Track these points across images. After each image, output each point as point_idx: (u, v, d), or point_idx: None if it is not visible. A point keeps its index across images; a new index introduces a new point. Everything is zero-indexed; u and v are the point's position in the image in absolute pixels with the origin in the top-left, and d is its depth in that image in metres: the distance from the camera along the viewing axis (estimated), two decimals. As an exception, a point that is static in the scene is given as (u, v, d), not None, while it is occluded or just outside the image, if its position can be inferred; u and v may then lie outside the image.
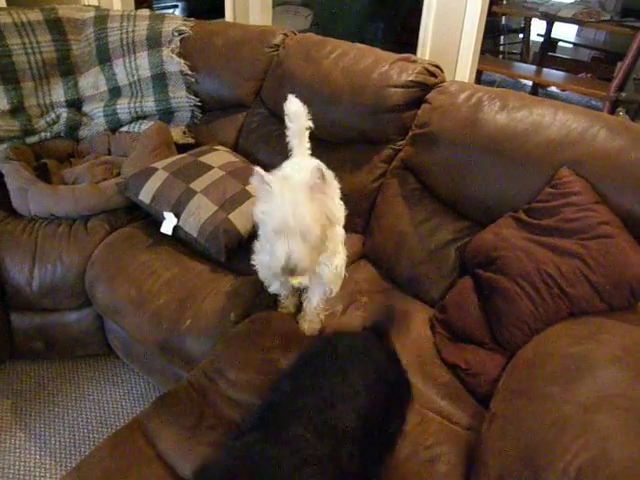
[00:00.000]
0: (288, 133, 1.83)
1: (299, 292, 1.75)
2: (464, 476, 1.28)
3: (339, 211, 1.67)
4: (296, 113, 1.77)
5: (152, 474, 1.32)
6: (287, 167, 1.72)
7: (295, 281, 1.53)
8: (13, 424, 2.05)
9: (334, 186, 1.72)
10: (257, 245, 1.63)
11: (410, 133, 2.05)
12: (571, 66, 5.17)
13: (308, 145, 1.84)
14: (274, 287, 1.69)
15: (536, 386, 1.27)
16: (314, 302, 1.66)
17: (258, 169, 1.39)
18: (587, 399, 1.17)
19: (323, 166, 1.66)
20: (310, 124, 1.80)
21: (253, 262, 1.65)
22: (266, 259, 1.55)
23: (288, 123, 1.81)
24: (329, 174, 1.52)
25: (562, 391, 1.21)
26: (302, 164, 1.74)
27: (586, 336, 1.37)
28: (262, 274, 1.64)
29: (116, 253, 2.01)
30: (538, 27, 5.60)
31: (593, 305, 1.48)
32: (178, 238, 2.03)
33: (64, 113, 2.55)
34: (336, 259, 1.59)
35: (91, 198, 2.11)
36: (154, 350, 1.85)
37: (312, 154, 1.95)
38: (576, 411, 1.15)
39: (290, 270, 1.35)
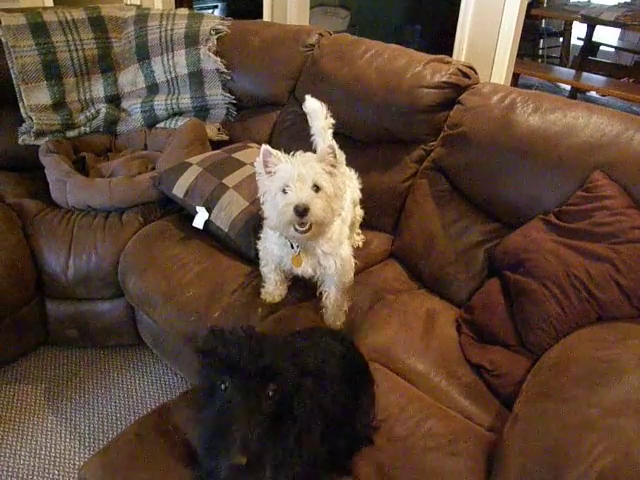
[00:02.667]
0: (312, 132, 1.87)
1: (289, 282, 1.82)
2: (485, 474, 1.28)
3: (348, 213, 1.77)
4: (315, 112, 1.82)
5: (177, 460, 1.35)
6: None
7: (298, 263, 1.62)
8: (45, 407, 2.11)
9: (351, 179, 1.87)
10: (262, 234, 1.72)
11: (442, 134, 2.04)
12: (612, 71, 5.07)
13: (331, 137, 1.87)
14: (268, 269, 1.75)
15: (561, 388, 1.26)
16: (332, 296, 1.68)
17: (265, 146, 1.49)
18: (612, 403, 1.15)
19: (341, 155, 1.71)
20: (331, 121, 1.85)
21: (258, 247, 1.74)
22: (270, 246, 1.66)
23: (310, 122, 1.86)
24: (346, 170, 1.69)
25: (587, 394, 1.20)
26: None
27: (613, 341, 1.36)
28: (264, 259, 1.73)
29: (149, 245, 2.05)
30: (579, 30, 5.51)
31: (622, 310, 1.46)
32: (209, 232, 2.06)
33: (103, 109, 2.61)
34: (341, 250, 1.64)
35: (126, 191, 2.16)
36: (183, 341, 1.89)
37: (344, 153, 1.97)
38: (600, 414, 1.13)
39: (303, 210, 1.40)
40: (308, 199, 1.40)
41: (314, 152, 1.90)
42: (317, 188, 1.44)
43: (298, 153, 1.50)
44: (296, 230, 1.45)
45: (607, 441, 1.07)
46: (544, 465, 1.12)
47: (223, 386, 1.02)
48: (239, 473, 1.00)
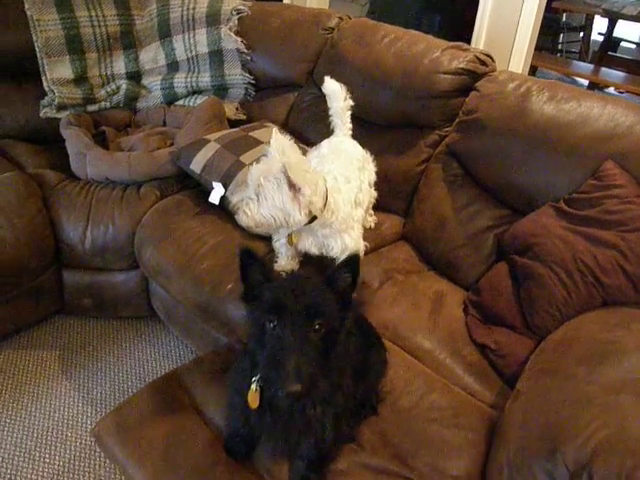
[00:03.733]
0: (330, 112, 1.92)
1: (300, 257, 1.84)
2: (486, 447, 1.32)
3: (365, 196, 1.81)
4: (335, 93, 1.86)
5: (187, 420, 1.40)
6: (324, 147, 1.85)
7: (291, 242, 1.70)
8: (59, 373, 2.17)
9: (368, 162, 1.90)
10: None
11: (457, 119, 2.07)
12: (632, 67, 5.03)
13: (349, 125, 1.93)
14: (279, 243, 1.81)
15: (562, 366, 1.30)
16: None
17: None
18: (611, 381, 1.19)
19: (359, 149, 1.86)
20: (350, 103, 1.89)
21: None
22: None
23: (329, 103, 1.90)
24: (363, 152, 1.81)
25: (587, 372, 1.24)
26: (342, 146, 1.85)
27: (617, 324, 1.39)
28: (275, 235, 1.81)
29: (165, 218, 2.10)
30: (600, 26, 5.48)
31: (627, 295, 1.49)
32: (224, 208, 2.10)
33: (124, 85, 2.65)
34: (346, 237, 1.67)
35: (144, 165, 2.20)
36: (195, 313, 1.93)
37: (360, 136, 2.01)
38: (599, 391, 1.17)
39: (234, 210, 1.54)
40: (237, 206, 1.54)
41: (332, 133, 1.96)
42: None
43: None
44: None
45: (605, 416, 1.11)
46: (543, 438, 1.16)
47: (272, 324, 1.09)
48: (294, 403, 1.12)
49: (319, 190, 1.55)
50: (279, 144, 1.50)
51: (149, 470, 1.28)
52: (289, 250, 1.80)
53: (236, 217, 1.57)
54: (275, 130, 1.55)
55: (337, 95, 1.85)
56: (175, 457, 1.30)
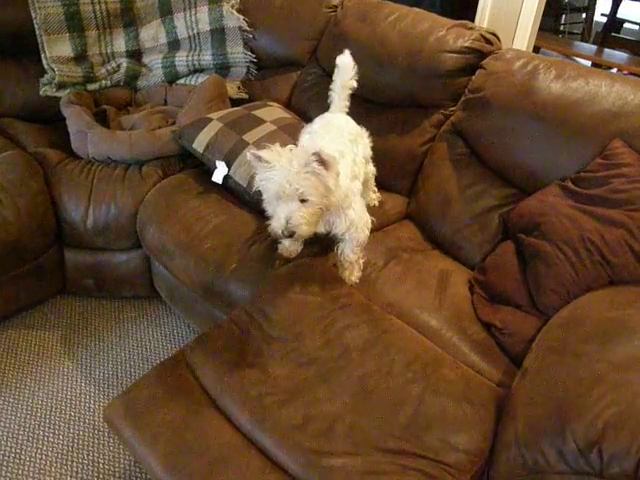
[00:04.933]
0: (331, 87, 1.89)
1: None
2: (494, 424, 1.32)
3: (360, 169, 1.77)
4: (345, 68, 1.82)
5: (194, 403, 1.39)
6: (316, 123, 1.81)
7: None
8: (62, 353, 2.16)
9: (362, 137, 1.85)
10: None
11: (463, 98, 2.05)
12: (636, 48, 4.99)
13: (347, 103, 1.89)
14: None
15: (570, 344, 1.29)
16: (346, 252, 1.70)
17: (252, 151, 1.46)
18: (621, 359, 1.19)
19: (352, 123, 1.82)
20: (354, 84, 1.85)
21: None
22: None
23: (334, 77, 1.87)
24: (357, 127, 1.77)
25: (596, 350, 1.23)
26: (334, 121, 1.82)
27: (625, 303, 1.39)
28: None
29: (168, 198, 2.08)
30: (603, 7, 5.43)
31: (634, 274, 1.49)
32: (228, 187, 2.08)
33: (124, 63, 2.62)
34: (350, 212, 1.64)
35: (146, 144, 2.18)
36: (198, 292, 1.93)
37: (363, 115, 1.99)
38: (608, 369, 1.17)
39: (290, 233, 1.45)
40: (294, 222, 1.43)
41: (328, 105, 1.93)
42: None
43: (286, 152, 1.46)
44: None
45: (614, 393, 1.11)
46: (552, 415, 1.16)
47: None
48: None
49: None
50: (273, 154, 1.45)
51: (160, 453, 1.27)
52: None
53: (295, 237, 1.50)
54: (251, 152, 1.48)
55: (347, 70, 1.82)
56: (185, 440, 1.29)
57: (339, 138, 1.73)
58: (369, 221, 1.72)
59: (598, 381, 1.15)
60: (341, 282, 1.69)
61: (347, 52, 1.83)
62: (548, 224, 1.62)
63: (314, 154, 1.40)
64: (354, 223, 1.65)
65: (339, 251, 1.73)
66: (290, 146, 1.50)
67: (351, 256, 1.71)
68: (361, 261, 1.74)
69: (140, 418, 1.36)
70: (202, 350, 1.51)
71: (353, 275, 1.73)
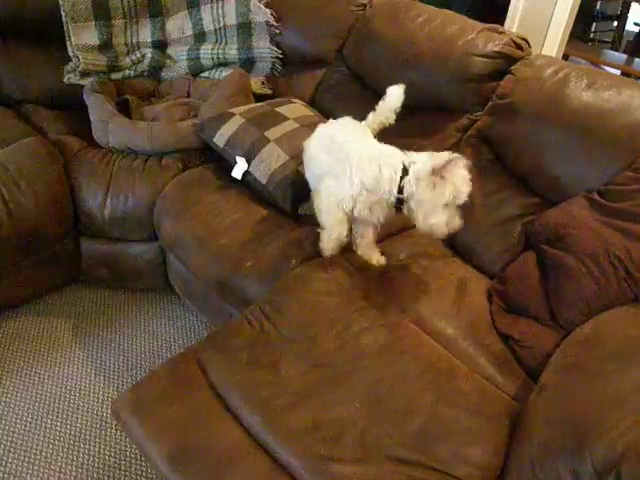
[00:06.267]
0: (376, 107, 1.83)
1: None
2: (508, 438, 1.29)
3: None
4: (395, 100, 1.80)
5: (203, 400, 1.37)
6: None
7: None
8: (73, 342, 2.16)
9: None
10: (322, 194, 1.71)
11: (490, 103, 2.01)
12: (667, 59, 4.90)
13: (376, 127, 1.84)
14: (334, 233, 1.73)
15: (591, 362, 1.26)
16: (370, 237, 1.77)
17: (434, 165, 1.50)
18: (643, 380, 1.15)
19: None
20: (393, 118, 1.83)
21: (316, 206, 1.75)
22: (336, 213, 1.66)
23: (381, 102, 1.82)
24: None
25: (618, 370, 1.20)
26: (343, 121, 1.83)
27: (649, 321, 1.35)
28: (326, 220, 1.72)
29: (186, 191, 2.07)
30: (636, 16, 5.33)
31: (660, 292, 1.44)
32: (247, 183, 2.06)
33: (149, 53, 2.60)
34: None
35: (167, 136, 2.17)
36: (213, 287, 1.91)
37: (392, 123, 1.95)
38: (630, 390, 1.13)
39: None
40: (453, 228, 1.58)
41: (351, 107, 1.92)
42: None
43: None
44: None
45: (635, 416, 1.07)
46: (569, 435, 1.13)
47: None
48: None
49: None
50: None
51: (165, 450, 1.26)
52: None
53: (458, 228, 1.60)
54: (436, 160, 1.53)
55: (396, 102, 1.80)
56: (192, 438, 1.28)
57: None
58: None
59: (619, 402, 1.11)
60: (358, 283, 1.66)
61: (402, 86, 1.80)
62: (572, 236, 1.58)
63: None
64: None
65: (358, 237, 1.77)
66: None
67: (371, 238, 1.77)
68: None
69: (147, 413, 1.34)
70: (213, 347, 1.49)
71: (379, 255, 1.78)
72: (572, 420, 1.15)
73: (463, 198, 1.53)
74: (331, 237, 1.72)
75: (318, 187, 1.74)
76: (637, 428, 1.04)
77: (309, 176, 1.84)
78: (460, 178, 1.52)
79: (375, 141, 1.74)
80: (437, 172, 1.49)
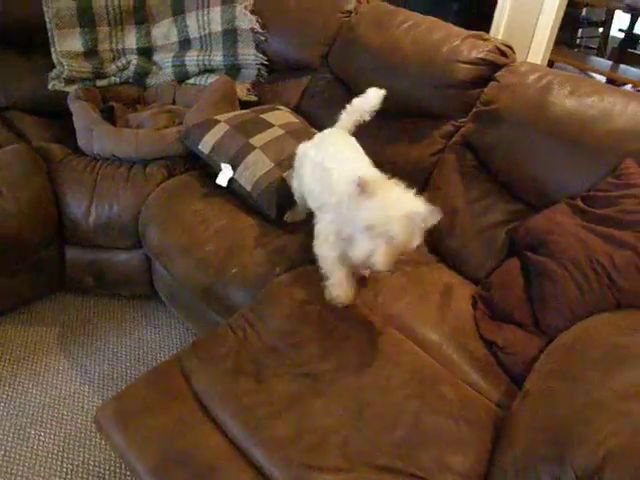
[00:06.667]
0: (347, 106, 1.81)
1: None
2: (492, 445, 1.29)
3: None
4: (371, 99, 1.76)
5: (187, 409, 1.37)
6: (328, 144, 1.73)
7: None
8: (58, 350, 2.14)
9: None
10: (317, 231, 1.60)
11: (474, 110, 2.02)
12: (652, 65, 4.94)
13: (351, 127, 1.80)
14: (335, 279, 1.57)
15: (574, 369, 1.26)
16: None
17: (359, 177, 1.36)
18: (625, 388, 1.15)
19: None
20: (367, 117, 1.79)
21: (314, 250, 1.61)
22: (330, 254, 1.54)
23: (354, 100, 1.79)
24: None
25: (600, 377, 1.20)
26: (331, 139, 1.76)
27: (631, 328, 1.35)
28: (324, 266, 1.58)
29: (171, 198, 2.06)
30: (620, 22, 5.38)
31: (642, 299, 1.45)
32: (232, 190, 2.05)
33: (134, 60, 2.60)
34: None
35: (152, 143, 2.16)
36: (197, 295, 1.90)
37: (371, 123, 1.94)
38: (612, 397, 1.14)
39: (368, 266, 1.39)
40: (373, 260, 1.34)
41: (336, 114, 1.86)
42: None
43: (394, 190, 1.40)
44: None
45: (617, 423, 1.07)
46: (551, 442, 1.13)
47: None
48: None
49: None
50: (374, 185, 1.37)
51: (148, 460, 1.25)
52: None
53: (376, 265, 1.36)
54: (361, 178, 1.36)
55: (371, 102, 1.76)
56: (175, 447, 1.27)
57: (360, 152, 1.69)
58: None
59: (601, 409, 1.12)
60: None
61: (382, 91, 1.76)
62: (556, 243, 1.59)
63: (423, 219, 1.36)
64: None
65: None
66: (399, 184, 1.44)
67: None
68: None
69: (130, 423, 1.34)
70: (197, 356, 1.49)
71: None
72: (554, 427, 1.15)
73: (395, 231, 1.32)
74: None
75: (317, 225, 1.62)
76: (619, 435, 1.05)
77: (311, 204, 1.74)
78: (395, 201, 1.36)
79: (362, 162, 1.65)
80: (364, 187, 1.35)
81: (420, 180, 2.09)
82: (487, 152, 1.94)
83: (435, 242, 1.96)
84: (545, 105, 1.80)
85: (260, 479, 1.23)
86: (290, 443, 1.26)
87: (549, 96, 1.81)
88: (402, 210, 1.33)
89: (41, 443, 1.82)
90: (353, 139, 1.78)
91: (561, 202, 1.72)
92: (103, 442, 1.83)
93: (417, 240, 1.40)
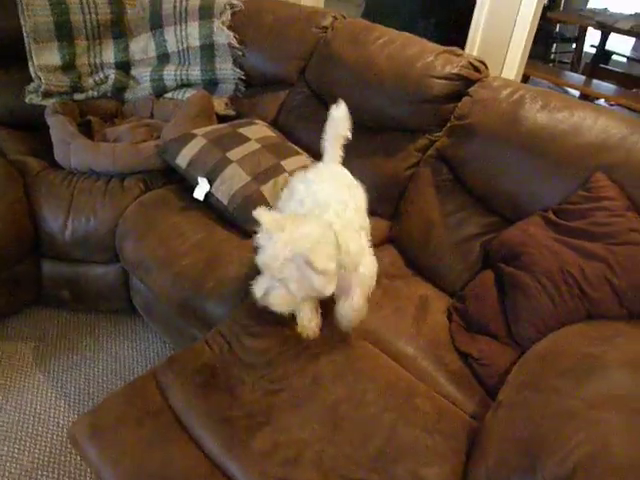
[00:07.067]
0: (324, 137, 1.75)
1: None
2: (466, 456, 1.30)
3: (365, 219, 1.64)
4: (339, 120, 1.71)
5: (162, 424, 1.36)
6: (311, 172, 1.67)
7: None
8: (33, 366, 2.12)
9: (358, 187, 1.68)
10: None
11: (448, 124, 2.05)
12: (623, 81, 5.05)
13: (341, 153, 1.75)
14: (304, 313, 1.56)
15: (545, 379, 1.28)
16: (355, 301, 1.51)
17: (259, 211, 1.33)
18: (595, 396, 1.17)
19: (346, 172, 1.69)
20: (349, 135, 1.72)
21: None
22: None
23: (327, 128, 1.73)
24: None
25: (570, 386, 1.22)
26: (329, 170, 1.70)
27: (601, 338, 1.37)
28: None
29: (148, 212, 2.06)
30: (592, 38, 5.51)
31: (612, 309, 1.48)
32: (209, 204, 2.06)
33: (112, 74, 2.60)
34: (361, 268, 1.49)
35: (129, 157, 2.16)
36: (175, 309, 1.89)
37: (350, 138, 1.94)
38: (582, 406, 1.15)
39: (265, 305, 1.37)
40: (269, 300, 1.34)
41: (322, 156, 1.77)
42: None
43: (289, 225, 1.32)
44: None
45: (587, 431, 1.09)
46: (523, 452, 1.14)
47: None
48: None
49: (343, 249, 1.40)
50: (274, 223, 1.31)
51: (123, 475, 1.24)
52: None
53: (270, 306, 1.37)
54: (259, 212, 1.33)
55: (342, 123, 1.71)
56: (150, 462, 1.26)
57: (338, 187, 1.59)
58: (376, 268, 1.56)
59: (571, 418, 1.13)
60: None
61: (342, 104, 1.71)
62: (528, 255, 1.61)
63: (306, 262, 1.27)
64: (366, 278, 1.51)
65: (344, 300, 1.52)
66: (298, 217, 1.41)
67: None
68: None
69: (105, 438, 1.33)
70: (173, 371, 1.48)
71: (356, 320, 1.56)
72: (526, 438, 1.16)
73: (285, 274, 1.30)
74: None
75: None
76: (588, 445, 1.06)
77: None
78: (295, 240, 1.29)
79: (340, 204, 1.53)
80: (266, 224, 1.31)
81: (396, 193, 2.12)
82: (461, 166, 1.96)
83: (411, 255, 1.99)
84: (517, 120, 1.83)
85: (236, 494, 1.23)
86: (266, 457, 1.26)
87: (521, 111, 1.84)
88: (292, 252, 1.28)
89: (15, 461, 1.80)
90: (346, 177, 1.71)
91: (534, 215, 1.74)
92: (78, 458, 1.81)
93: (330, 287, 1.32)
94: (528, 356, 1.45)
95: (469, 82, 2.06)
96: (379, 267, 1.70)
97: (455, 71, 2.04)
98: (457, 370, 1.56)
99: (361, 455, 1.27)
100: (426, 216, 1.97)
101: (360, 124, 2.19)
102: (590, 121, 1.75)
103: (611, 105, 5.15)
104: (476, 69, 2.08)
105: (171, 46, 2.64)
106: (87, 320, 2.36)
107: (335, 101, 2.11)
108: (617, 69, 5.56)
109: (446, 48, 2.14)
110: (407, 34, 2.27)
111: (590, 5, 5.85)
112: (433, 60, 2.08)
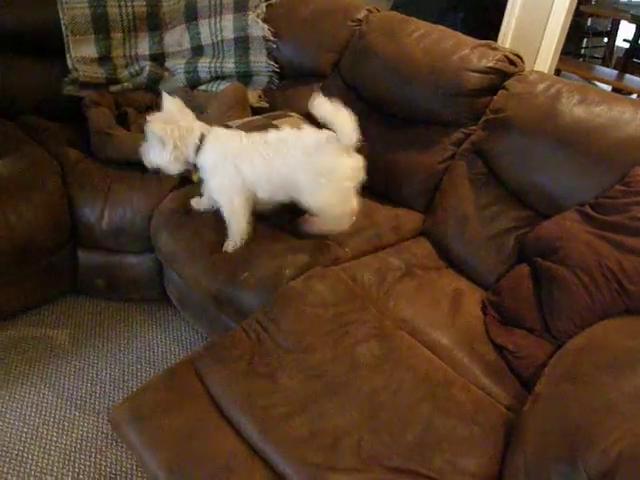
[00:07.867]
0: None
1: None
2: (503, 448, 1.30)
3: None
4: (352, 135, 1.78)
5: (201, 410, 1.38)
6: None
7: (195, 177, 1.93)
8: (69, 352, 2.16)
9: None
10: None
11: (483, 118, 2.04)
12: (656, 75, 4.97)
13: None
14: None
15: (584, 372, 1.28)
16: None
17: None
18: (636, 389, 1.17)
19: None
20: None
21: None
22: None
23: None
24: None
25: (611, 379, 1.21)
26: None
27: (640, 332, 1.37)
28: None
29: (184, 204, 2.07)
30: (625, 32, 5.42)
31: (652, 304, 1.47)
32: (244, 197, 2.07)
33: (147, 66, 2.63)
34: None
35: (166, 148, 2.18)
36: (208, 299, 1.92)
37: (383, 130, 1.94)
38: (623, 399, 1.15)
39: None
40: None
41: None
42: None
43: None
44: None
45: (628, 424, 1.09)
46: (562, 444, 1.14)
47: None
48: None
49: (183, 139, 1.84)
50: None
51: (164, 459, 1.27)
52: None
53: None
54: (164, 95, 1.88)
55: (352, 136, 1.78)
56: (190, 447, 1.28)
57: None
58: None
59: (612, 411, 1.13)
60: (353, 295, 1.68)
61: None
62: (565, 249, 1.61)
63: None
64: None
65: None
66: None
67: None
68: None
69: (145, 423, 1.35)
70: (212, 357, 1.50)
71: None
72: (565, 429, 1.16)
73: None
74: None
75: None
76: (630, 437, 1.06)
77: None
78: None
79: None
80: None
81: (430, 186, 2.12)
82: (496, 159, 1.96)
83: (445, 247, 1.99)
84: (554, 113, 1.82)
85: (274, 479, 1.25)
86: (304, 443, 1.28)
87: (558, 105, 1.83)
88: None
89: (54, 443, 1.84)
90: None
91: (571, 209, 1.73)
92: (115, 443, 1.85)
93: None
94: (565, 349, 1.45)
95: (505, 76, 2.05)
96: (413, 259, 1.73)
97: (491, 64, 2.03)
98: (492, 362, 1.56)
99: (399, 444, 1.28)
100: (460, 209, 1.97)
101: (393, 116, 2.22)
102: (629, 115, 1.73)
103: (644, 101, 5.07)
104: (512, 63, 2.07)
105: (205, 38, 2.66)
106: (121, 309, 2.39)
107: (369, 94, 2.14)
108: (651, 64, 5.46)
109: (482, 42, 2.14)
110: (442, 27, 2.26)
111: (624, -2, 5.75)
112: (469, 53, 2.07)
